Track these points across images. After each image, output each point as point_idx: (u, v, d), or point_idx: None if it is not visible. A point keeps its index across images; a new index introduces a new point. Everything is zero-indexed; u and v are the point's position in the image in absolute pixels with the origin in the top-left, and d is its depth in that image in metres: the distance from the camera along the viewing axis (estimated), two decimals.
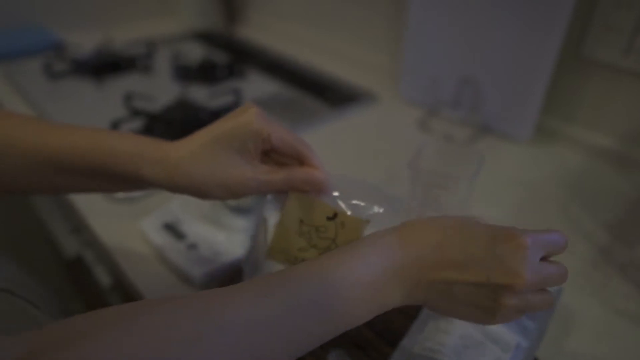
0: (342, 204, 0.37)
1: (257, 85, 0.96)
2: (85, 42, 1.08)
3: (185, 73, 0.96)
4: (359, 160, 0.74)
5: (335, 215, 0.35)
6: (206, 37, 1.22)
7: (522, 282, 0.30)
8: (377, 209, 0.37)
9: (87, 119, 0.81)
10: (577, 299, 0.50)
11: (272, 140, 0.35)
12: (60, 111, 0.83)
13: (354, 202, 0.37)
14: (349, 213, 0.36)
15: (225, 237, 0.54)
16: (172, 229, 0.55)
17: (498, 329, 0.41)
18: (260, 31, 1.26)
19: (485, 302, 0.31)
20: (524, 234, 0.32)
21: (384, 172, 0.70)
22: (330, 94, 0.92)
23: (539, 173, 0.71)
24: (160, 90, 0.90)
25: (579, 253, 0.56)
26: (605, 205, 0.64)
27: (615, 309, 0.49)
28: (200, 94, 0.88)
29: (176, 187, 0.36)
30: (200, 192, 0.36)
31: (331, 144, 0.77)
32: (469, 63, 0.80)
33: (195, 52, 1.08)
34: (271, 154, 0.38)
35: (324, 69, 1.03)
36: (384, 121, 0.86)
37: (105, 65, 0.96)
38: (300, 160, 0.38)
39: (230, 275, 0.50)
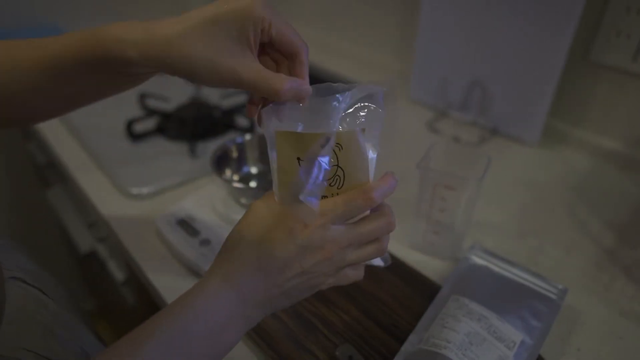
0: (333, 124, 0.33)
1: None
2: None
3: None
4: None
5: (328, 140, 0.32)
6: None
7: (330, 252, 0.33)
8: (363, 113, 0.34)
9: (102, 118, 0.83)
10: (582, 299, 0.50)
11: (272, 32, 0.32)
12: (75, 110, 0.85)
13: (342, 114, 0.33)
14: (340, 129, 0.33)
15: None
16: (186, 225, 0.56)
17: (503, 327, 0.42)
18: None
19: (313, 280, 0.34)
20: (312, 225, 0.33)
21: (393, 172, 0.71)
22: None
23: (546, 175, 0.72)
24: (174, 89, 0.92)
25: (585, 254, 0.57)
26: (612, 207, 0.65)
27: (620, 310, 0.50)
28: (213, 94, 0.90)
29: (167, 67, 0.33)
30: (190, 73, 0.33)
31: None
32: (479, 66, 0.80)
33: None
34: (267, 49, 0.35)
35: (334, 70, 1.04)
36: (394, 122, 0.86)
37: None
38: (292, 59, 0.35)
39: None
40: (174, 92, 0.87)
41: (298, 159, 0.33)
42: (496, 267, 0.50)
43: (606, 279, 0.53)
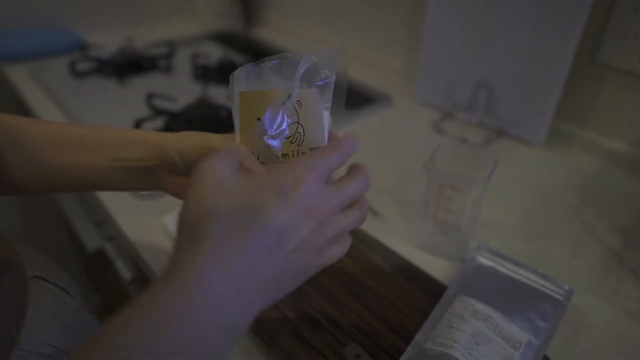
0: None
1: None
2: (108, 42, 1.11)
3: (205, 73, 0.98)
4: (375, 162, 0.75)
5: (289, 98, 0.33)
6: (224, 38, 1.24)
7: (326, 214, 0.29)
8: (323, 73, 0.34)
9: (111, 117, 0.84)
10: (588, 301, 0.51)
11: None
12: (85, 109, 0.86)
13: (300, 79, 0.34)
14: (299, 89, 0.34)
15: None
16: None
17: (509, 328, 0.42)
18: (278, 33, 1.28)
19: (304, 260, 0.29)
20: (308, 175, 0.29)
21: (399, 173, 0.72)
22: (348, 96, 0.94)
23: (553, 176, 0.72)
24: (181, 89, 0.93)
25: (592, 256, 0.57)
26: (618, 209, 0.65)
27: (626, 312, 0.50)
28: (219, 94, 0.90)
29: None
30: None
31: None
32: (484, 67, 0.80)
33: (214, 53, 1.10)
34: None
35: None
36: (400, 124, 0.87)
37: (128, 65, 0.99)
38: None
39: None
40: (180, 92, 0.88)
41: (258, 119, 0.33)
42: (502, 267, 0.50)
43: (613, 281, 0.53)
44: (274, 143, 0.32)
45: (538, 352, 0.41)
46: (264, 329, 0.45)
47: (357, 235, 0.58)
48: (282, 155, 0.34)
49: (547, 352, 0.42)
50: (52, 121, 0.43)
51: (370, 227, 0.60)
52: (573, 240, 0.59)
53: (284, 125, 0.32)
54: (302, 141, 0.34)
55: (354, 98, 0.93)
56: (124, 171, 0.40)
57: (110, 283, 0.98)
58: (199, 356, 0.26)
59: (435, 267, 0.54)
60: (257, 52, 1.15)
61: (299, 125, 0.34)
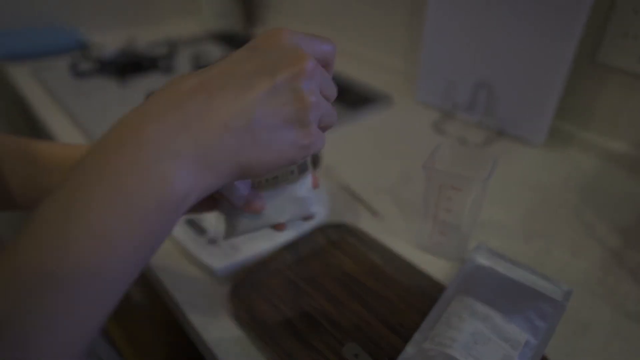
0: None
1: None
2: (109, 42, 1.11)
3: None
4: (375, 161, 0.75)
5: None
6: (225, 38, 1.24)
7: (306, 60, 0.27)
8: None
9: (111, 117, 0.84)
10: (588, 301, 0.51)
11: None
12: (85, 109, 0.86)
13: None
14: None
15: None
16: (194, 225, 0.57)
17: (508, 327, 0.42)
18: None
19: (290, 109, 0.27)
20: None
21: (399, 173, 0.72)
22: (348, 96, 0.94)
23: (553, 177, 0.72)
24: None
25: (591, 256, 0.57)
26: (618, 209, 0.65)
27: (625, 312, 0.50)
28: None
29: None
30: None
31: (348, 145, 0.79)
32: (485, 67, 0.80)
33: (215, 53, 1.10)
34: None
35: (342, 72, 1.04)
36: (400, 123, 0.87)
37: (129, 65, 0.99)
38: None
39: (248, 268, 0.52)
40: None
41: None
42: (501, 267, 0.50)
43: (612, 281, 0.54)
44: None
45: (537, 352, 0.41)
46: (263, 328, 0.45)
47: (356, 235, 0.58)
48: (272, 178, 0.36)
49: (546, 352, 0.43)
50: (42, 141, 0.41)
51: (370, 226, 0.60)
52: (573, 241, 0.59)
53: None
54: None
55: (354, 98, 0.94)
56: None
57: None
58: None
59: (435, 267, 0.54)
60: None
61: None
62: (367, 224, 0.61)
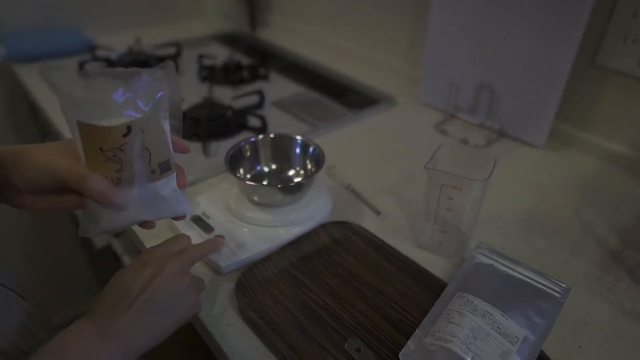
0: (129, 112, 0.36)
1: (279, 86, 1.00)
2: (116, 44, 1.13)
3: (211, 74, 1.00)
4: (377, 161, 0.76)
5: (129, 129, 0.35)
6: (230, 39, 1.26)
7: (171, 261, 0.42)
8: (153, 96, 0.37)
9: None
10: (586, 299, 0.52)
11: None
12: None
13: (137, 101, 0.37)
14: (139, 115, 0.36)
15: (249, 230, 0.57)
16: (200, 222, 0.58)
17: (507, 324, 0.43)
18: (282, 34, 1.30)
19: (174, 286, 0.41)
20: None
21: (401, 173, 0.73)
22: (351, 97, 0.95)
23: (553, 177, 0.73)
24: (187, 90, 0.94)
25: (590, 255, 0.58)
26: (617, 209, 0.66)
27: (623, 310, 0.51)
28: (225, 95, 0.92)
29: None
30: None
31: (351, 145, 0.80)
32: (487, 70, 0.82)
33: (220, 54, 1.12)
34: None
35: (345, 72, 1.06)
36: (403, 124, 0.88)
37: (135, 66, 1.00)
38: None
39: (253, 264, 0.54)
40: (187, 93, 0.89)
41: (100, 149, 0.36)
42: (502, 265, 0.51)
43: (610, 280, 0.55)
44: (122, 171, 0.37)
45: (535, 348, 0.42)
46: (268, 323, 0.47)
47: (359, 233, 0.59)
48: (132, 175, 0.37)
49: (544, 348, 0.44)
50: None
51: (372, 225, 0.61)
52: (572, 240, 0.60)
53: (143, 158, 0.36)
54: (150, 161, 0.38)
55: (357, 99, 0.95)
56: None
57: None
58: None
59: (436, 265, 0.55)
60: (261, 53, 1.17)
61: (145, 150, 0.37)
62: (369, 223, 0.62)
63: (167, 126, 0.39)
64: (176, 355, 0.81)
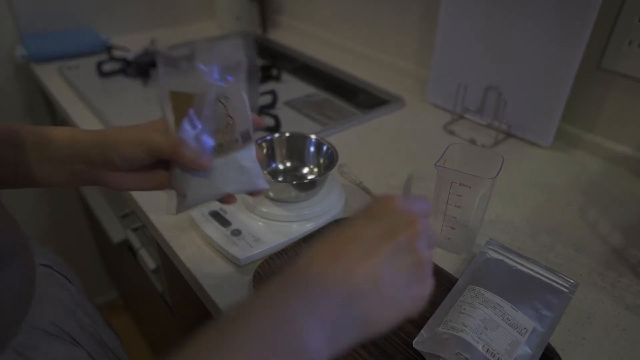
0: (215, 81, 0.37)
1: (291, 87, 1.02)
2: (131, 44, 1.16)
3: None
4: (387, 160, 0.78)
5: (218, 99, 0.37)
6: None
7: (419, 224, 0.30)
8: (239, 63, 0.38)
9: (135, 115, 0.88)
10: (590, 294, 0.54)
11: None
12: (111, 107, 0.90)
13: (222, 71, 0.38)
14: (225, 84, 0.38)
15: (265, 224, 0.60)
16: (218, 217, 0.60)
17: (517, 315, 0.45)
18: (293, 35, 1.32)
19: (411, 268, 0.30)
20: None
21: (409, 171, 0.75)
22: (361, 97, 0.98)
23: (559, 177, 0.75)
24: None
25: (594, 253, 0.60)
26: (621, 209, 0.68)
27: (625, 304, 0.53)
28: None
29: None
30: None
31: (362, 144, 0.82)
32: (494, 71, 0.84)
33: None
34: None
35: (354, 73, 1.08)
36: (411, 124, 0.90)
37: (151, 66, 1.04)
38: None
39: (269, 257, 0.56)
40: None
41: None
42: (511, 261, 0.53)
43: (613, 276, 0.56)
44: (206, 139, 0.37)
45: (543, 339, 0.44)
46: None
47: None
48: (218, 145, 0.38)
49: (553, 342, 0.46)
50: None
51: None
52: (577, 238, 0.62)
53: (212, 121, 0.37)
54: (234, 129, 0.38)
55: (367, 99, 0.97)
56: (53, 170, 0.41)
57: (131, 272, 1.02)
58: None
59: (445, 260, 0.57)
60: (273, 54, 1.19)
61: (229, 117, 0.38)
62: None
63: (246, 95, 0.39)
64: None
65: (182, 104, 0.37)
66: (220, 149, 0.39)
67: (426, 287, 0.31)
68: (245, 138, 0.40)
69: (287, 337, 0.26)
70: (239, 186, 0.42)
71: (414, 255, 0.30)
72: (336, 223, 0.61)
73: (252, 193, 0.44)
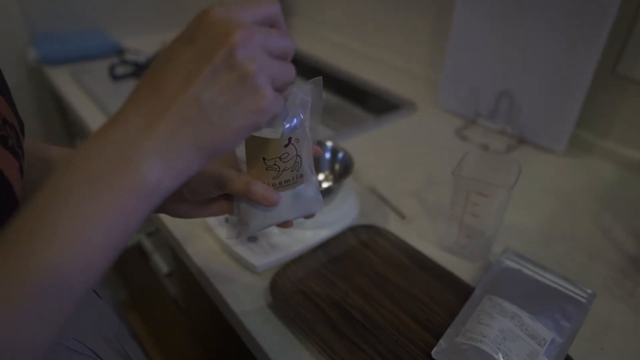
0: (287, 124, 0.39)
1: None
2: (141, 46, 1.16)
3: None
4: (400, 166, 0.78)
5: (290, 140, 0.38)
6: None
7: (234, 34, 0.27)
8: (307, 106, 0.39)
9: None
10: (607, 303, 0.53)
11: None
12: None
13: (294, 114, 0.39)
14: (296, 127, 0.39)
15: (280, 231, 0.60)
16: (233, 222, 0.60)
17: (535, 326, 0.45)
18: (303, 38, 1.32)
19: (234, 84, 0.28)
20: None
21: (424, 177, 0.75)
22: (372, 102, 0.98)
23: (573, 183, 0.74)
24: None
25: (610, 260, 0.60)
26: (636, 216, 0.67)
27: None
28: None
29: None
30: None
31: (375, 150, 0.82)
32: (508, 77, 0.83)
33: None
34: None
35: (365, 77, 1.08)
36: (424, 130, 0.90)
37: None
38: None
39: (286, 264, 0.56)
40: None
41: (263, 158, 0.39)
42: (528, 270, 0.53)
43: (630, 285, 0.56)
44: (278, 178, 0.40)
45: (561, 350, 0.44)
46: (302, 320, 0.49)
47: (385, 236, 0.61)
48: (285, 181, 0.40)
49: (571, 352, 0.45)
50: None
51: (397, 228, 0.63)
52: (592, 245, 0.62)
53: (286, 163, 0.39)
54: (301, 165, 0.40)
55: (379, 104, 0.97)
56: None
57: (143, 277, 1.03)
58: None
59: (460, 268, 0.57)
60: None
61: (297, 156, 0.40)
62: (395, 226, 0.64)
63: (309, 133, 0.41)
64: (196, 350, 0.84)
65: (257, 145, 0.39)
66: (287, 184, 0.40)
67: (259, 98, 0.28)
68: (309, 172, 0.42)
69: (121, 176, 0.26)
70: (298, 213, 0.44)
71: (235, 71, 0.27)
72: (352, 230, 0.61)
73: (307, 216, 0.44)
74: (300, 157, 0.40)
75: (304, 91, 0.40)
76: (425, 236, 0.63)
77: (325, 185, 0.66)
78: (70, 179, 0.26)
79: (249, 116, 0.29)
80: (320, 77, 0.41)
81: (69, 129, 1.24)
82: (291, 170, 0.40)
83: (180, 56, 0.28)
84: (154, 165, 0.27)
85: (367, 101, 0.98)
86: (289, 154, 0.39)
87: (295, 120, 0.39)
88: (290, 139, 0.38)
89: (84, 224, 0.25)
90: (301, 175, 0.41)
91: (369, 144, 0.84)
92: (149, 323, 1.37)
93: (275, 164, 0.39)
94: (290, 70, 0.31)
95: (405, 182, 0.74)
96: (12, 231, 0.25)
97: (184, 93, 0.27)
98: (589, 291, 0.50)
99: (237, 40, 0.27)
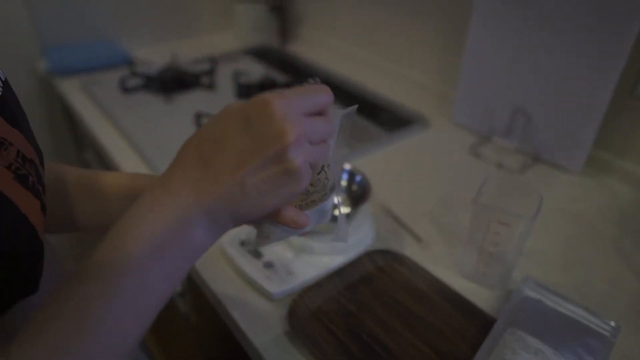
0: None
1: None
2: (150, 56, 1.16)
3: (247, 91, 1.02)
4: (413, 185, 0.77)
5: (322, 167, 0.39)
6: (262, 53, 1.28)
7: (289, 135, 0.29)
8: (336, 132, 0.39)
9: (157, 131, 0.88)
10: (630, 333, 0.52)
11: None
12: (133, 123, 0.90)
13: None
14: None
15: (295, 256, 0.59)
16: (250, 248, 0.60)
17: None
18: (313, 48, 1.31)
19: (279, 177, 0.30)
20: (270, 94, 0.31)
21: (438, 197, 0.74)
22: (384, 116, 0.97)
23: (590, 205, 0.73)
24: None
25: (631, 288, 0.59)
26: None
27: None
28: None
29: None
30: None
31: (387, 167, 0.81)
32: (523, 94, 0.82)
33: (253, 69, 1.13)
34: None
35: (376, 89, 1.07)
36: (437, 146, 0.89)
37: (172, 82, 1.03)
38: None
39: (302, 291, 0.55)
40: None
41: None
42: (549, 301, 0.52)
43: None
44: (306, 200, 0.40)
45: None
46: (319, 349, 0.48)
47: (402, 261, 0.60)
48: (311, 201, 0.41)
49: None
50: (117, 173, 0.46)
51: (413, 252, 0.62)
52: (612, 272, 0.61)
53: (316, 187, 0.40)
54: (327, 186, 0.41)
55: (391, 119, 0.96)
56: None
57: None
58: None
59: (479, 295, 0.56)
60: (294, 69, 1.18)
61: (327, 179, 0.41)
62: (411, 251, 0.63)
63: (339, 153, 0.42)
64: None
65: None
66: (313, 204, 0.41)
67: (297, 185, 0.31)
68: (332, 189, 0.42)
69: (176, 245, 0.30)
70: (315, 224, 0.44)
71: (282, 165, 0.30)
72: (368, 256, 0.60)
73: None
74: (328, 179, 0.41)
75: (335, 115, 0.40)
76: (441, 261, 0.62)
77: (343, 211, 0.65)
78: (133, 248, 0.29)
79: (284, 198, 0.32)
80: (355, 107, 0.41)
81: (78, 140, 1.23)
82: (319, 192, 0.41)
83: (235, 140, 0.30)
84: (201, 234, 0.31)
85: (378, 115, 0.97)
86: (320, 180, 0.40)
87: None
88: (322, 166, 0.39)
89: (145, 293, 0.30)
90: (326, 194, 0.41)
91: (383, 162, 0.83)
92: (157, 335, 1.36)
93: (306, 189, 0.40)
94: (326, 151, 0.34)
95: (419, 202, 0.73)
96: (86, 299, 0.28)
97: (233, 177, 0.30)
98: (612, 324, 0.49)
99: (291, 141, 0.30)
